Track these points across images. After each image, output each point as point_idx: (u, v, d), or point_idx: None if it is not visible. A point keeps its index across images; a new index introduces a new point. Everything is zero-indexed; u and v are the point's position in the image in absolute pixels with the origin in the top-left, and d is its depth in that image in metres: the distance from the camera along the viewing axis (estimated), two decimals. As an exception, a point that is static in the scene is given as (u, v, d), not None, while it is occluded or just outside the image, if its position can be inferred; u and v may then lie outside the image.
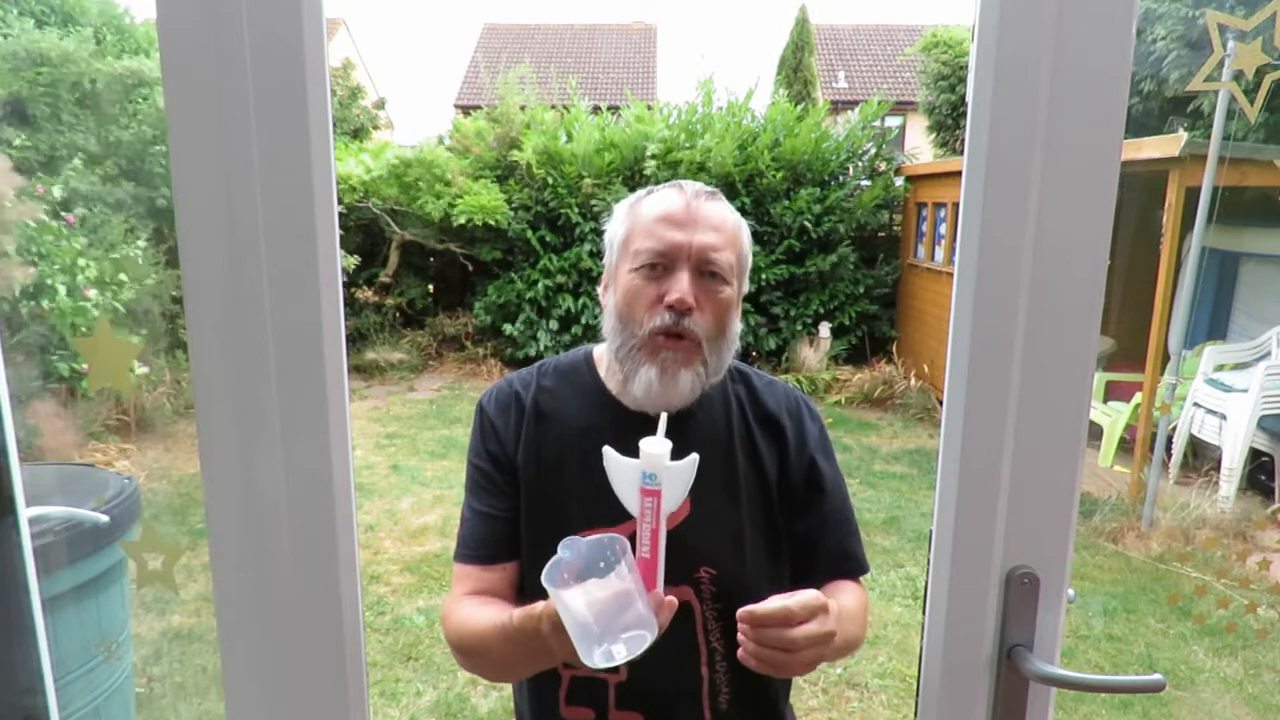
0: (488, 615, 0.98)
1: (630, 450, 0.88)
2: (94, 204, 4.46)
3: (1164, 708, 2.96)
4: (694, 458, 0.86)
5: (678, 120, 8.03)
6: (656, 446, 0.84)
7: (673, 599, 0.85)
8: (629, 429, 1.05)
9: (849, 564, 1.12)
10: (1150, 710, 2.92)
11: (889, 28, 20.27)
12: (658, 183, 1.11)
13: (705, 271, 1.01)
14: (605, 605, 0.79)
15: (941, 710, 0.86)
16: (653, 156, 7.48)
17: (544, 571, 0.80)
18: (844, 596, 1.07)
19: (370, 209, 7.84)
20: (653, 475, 0.84)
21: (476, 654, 1.02)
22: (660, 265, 1.01)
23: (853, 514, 1.14)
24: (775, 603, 0.84)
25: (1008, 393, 0.80)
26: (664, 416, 0.89)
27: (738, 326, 1.07)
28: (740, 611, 0.85)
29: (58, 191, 3.93)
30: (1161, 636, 3.42)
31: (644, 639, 0.80)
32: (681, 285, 0.99)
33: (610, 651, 0.79)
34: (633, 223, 1.05)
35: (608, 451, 0.87)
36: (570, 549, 0.83)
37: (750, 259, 1.09)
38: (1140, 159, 4.55)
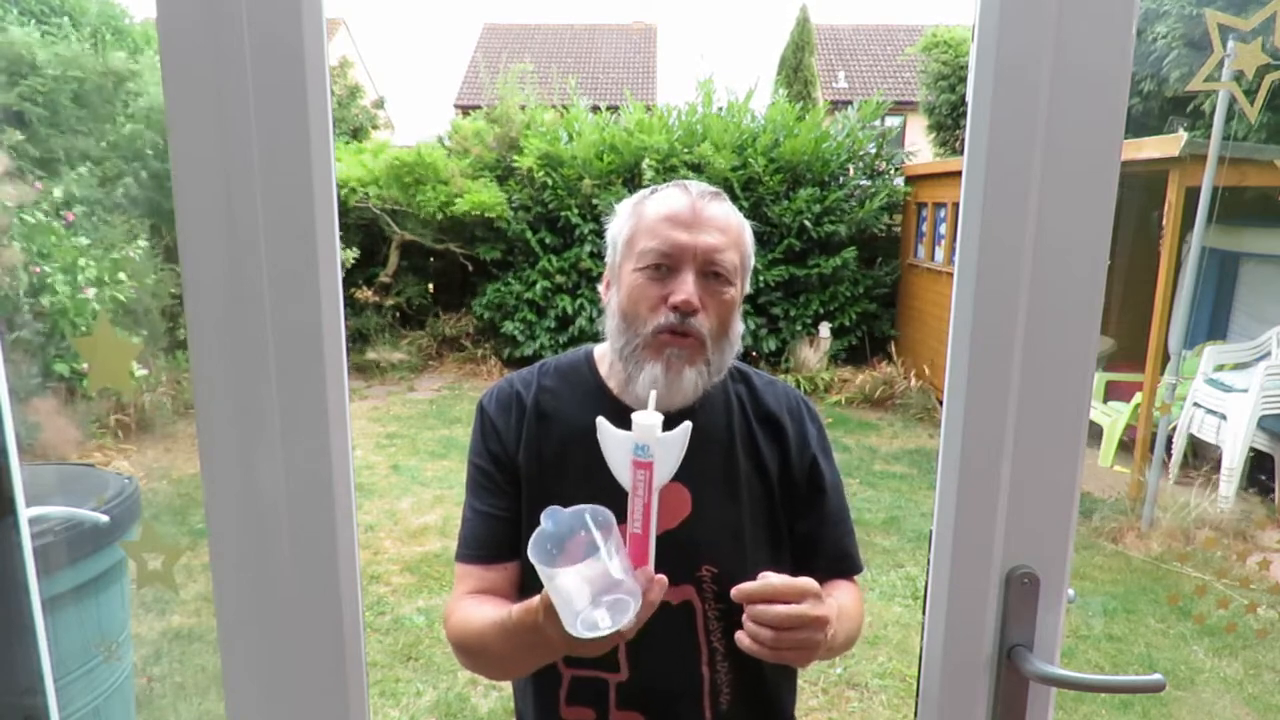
0: (487, 612, 0.99)
1: (629, 448, 0.88)
2: (93, 204, 4.46)
3: (1164, 708, 2.96)
4: (686, 426, 0.86)
5: (678, 122, 8.03)
6: (648, 418, 0.84)
7: (663, 576, 0.84)
8: (628, 428, 1.05)
9: (846, 563, 1.14)
10: (1150, 710, 2.92)
11: (889, 28, 20.27)
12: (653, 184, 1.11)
13: (709, 272, 1.01)
14: (590, 576, 0.79)
15: (941, 710, 0.86)
16: (650, 166, 7.49)
17: (529, 543, 0.80)
18: (841, 595, 1.08)
19: (370, 209, 7.84)
20: (645, 447, 0.83)
21: (478, 652, 1.02)
22: (665, 266, 1.01)
23: (849, 514, 1.16)
24: (762, 579, 0.87)
25: (1008, 393, 0.80)
26: (653, 393, 0.89)
27: (740, 327, 1.07)
28: (733, 590, 0.88)
29: (57, 192, 3.93)
30: (1161, 636, 3.42)
31: (627, 605, 0.79)
32: (687, 286, 1.00)
33: (593, 619, 0.78)
34: (637, 222, 1.05)
35: (601, 422, 0.87)
36: (552, 518, 0.83)
37: (752, 259, 1.10)
38: (1140, 159, 4.55)
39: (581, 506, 0.84)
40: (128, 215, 4.58)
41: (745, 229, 1.08)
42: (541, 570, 0.79)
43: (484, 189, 7.65)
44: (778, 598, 0.86)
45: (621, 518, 0.88)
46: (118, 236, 4.30)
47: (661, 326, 1.00)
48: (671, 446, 0.85)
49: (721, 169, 7.46)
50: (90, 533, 1.76)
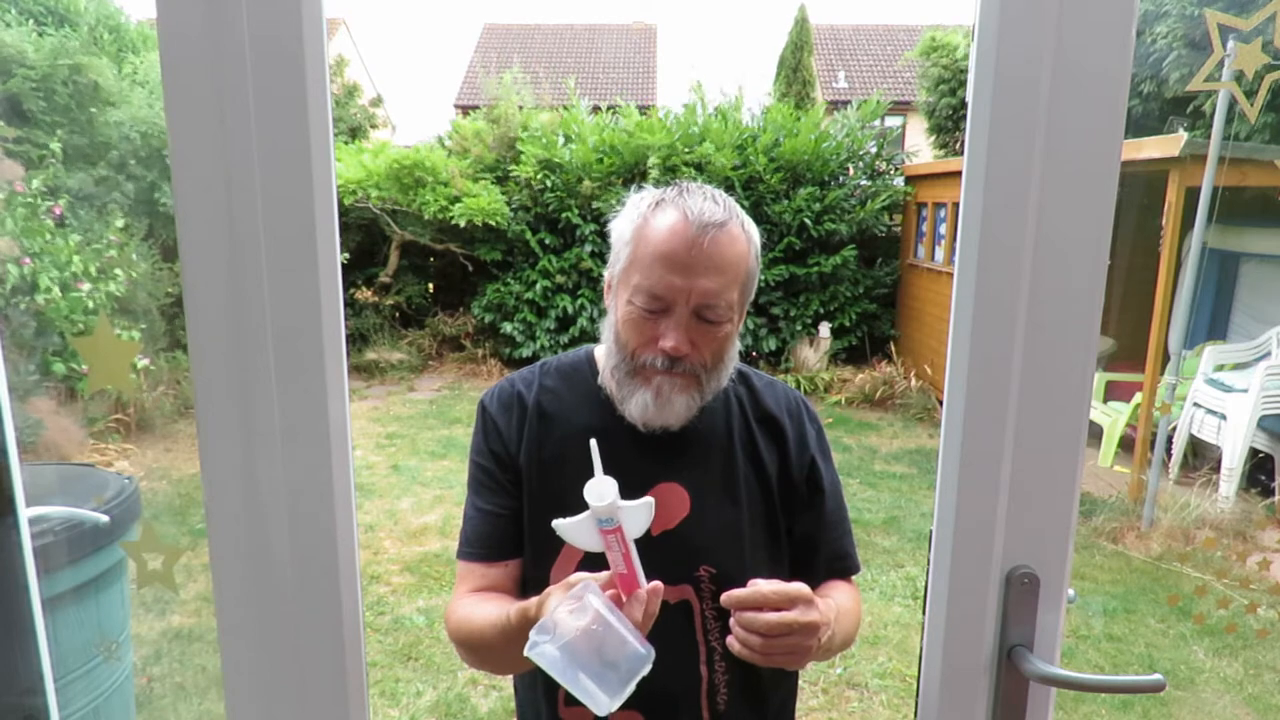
0: (488, 611, 0.99)
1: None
2: (87, 200, 4.46)
3: (1164, 708, 2.96)
4: (649, 501, 0.86)
5: (675, 123, 8.03)
6: (600, 498, 0.84)
7: (658, 583, 0.86)
8: (628, 429, 1.05)
9: (844, 563, 1.14)
10: (1150, 710, 2.92)
11: (889, 28, 20.26)
12: (658, 184, 1.09)
13: (703, 316, 0.99)
14: (598, 663, 0.80)
15: (941, 710, 0.86)
16: (653, 166, 7.49)
17: (537, 660, 0.80)
18: (840, 595, 1.08)
19: (370, 209, 7.84)
20: (608, 520, 0.84)
21: (479, 649, 1.02)
22: (657, 308, 0.99)
23: (847, 515, 1.16)
24: (751, 586, 0.88)
25: (1008, 393, 0.80)
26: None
27: (736, 348, 1.06)
28: (723, 596, 0.89)
29: (36, 182, 3.90)
30: (1161, 636, 3.42)
31: (645, 668, 0.81)
32: (677, 334, 0.97)
33: (620, 695, 0.80)
34: (635, 250, 1.01)
35: (559, 525, 0.88)
36: (543, 633, 0.81)
37: (757, 275, 1.06)
38: (1140, 159, 4.55)
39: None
40: (122, 212, 4.57)
41: (749, 254, 1.02)
42: (559, 673, 0.79)
43: (484, 191, 7.65)
44: (767, 605, 0.87)
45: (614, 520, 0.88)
46: (111, 233, 4.29)
47: (650, 363, 1.00)
48: (636, 515, 0.86)
49: (722, 168, 7.46)
50: (90, 533, 1.76)
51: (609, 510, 0.84)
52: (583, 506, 0.93)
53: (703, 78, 8.28)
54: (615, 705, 0.79)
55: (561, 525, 0.88)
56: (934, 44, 9.92)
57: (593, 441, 0.88)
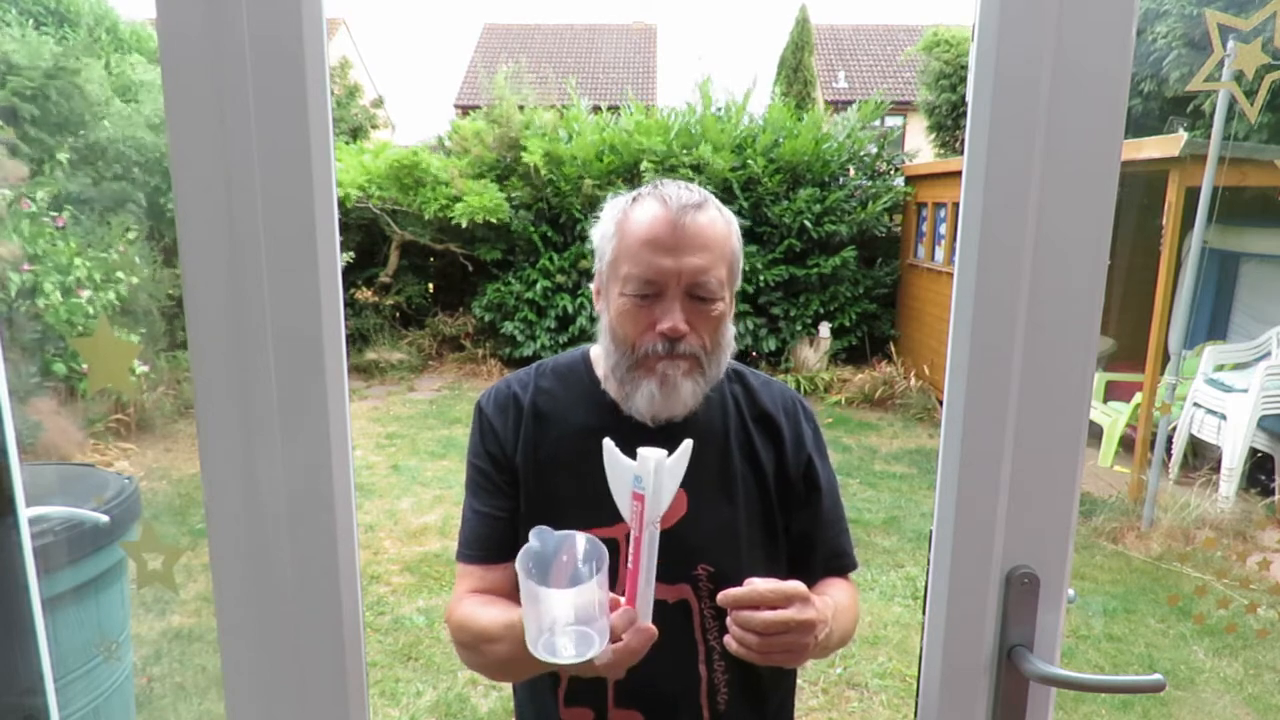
0: (490, 615, 0.99)
1: (626, 450, 0.88)
2: (87, 203, 4.46)
3: (1164, 708, 2.96)
4: (686, 444, 0.87)
5: (674, 121, 8.03)
6: (654, 453, 0.85)
7: (649, 626, 0.85)
8: (626, 430, 1.05)
9: (841, 561, 1.14)
10: (1150, 710, 2.92)
11: (889, 28, 20.29)
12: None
13: (696, 295, 1.00)
14: (565, 602, 0.80)
15: (941, 710, 0.86)
16: (650, 168, 7.49)
17: (518, 558, 0.81)
18: (837, 593, 1.08)
19: (370, 209, 7.84)
20: (639, 479, 0.84)
21: (479, 653, 1.02)
22: (650, 293, 1.00)
23: (844, 512, 1.17)
24: (748, 585, 0.88)
25: (1008, 393, 0.80)
26: (688, 445, 0.89)
27: (731, 331, 1.07)
28: (719, 595, 0.89)
29: (42, 193, 3.90)
30: (1161, 636, 3.42)
31: (591, 640, 0.80)
32: (673, 314, 0.99)
33: (555, 645, 0.79)
34: (620, 242, 1.03)
35: (608, 444, 0.88)
36: (539, 538, 0.83)
37: (741, 258, 1.08)
38: (1140, 159, 4.55)
39: (572, 532, 0.84)
40: (123, 215, 4.57)
41: (731, 234, 1.05)
42: (523, 581, 0.80)
43: (484, 190, 7.65)
44: (763, 604, 0.87)
45: (612, 519, 0.88)
46: (113, 236, 4.29)
47: (651, 351, 1.01)
48: (673, 470, 0.86)
49: (721, 170, 7.46)
50: (90, 533, 1.76)
51: (650, 468, 0.84)
52: (580, 508, 0.93)
53: (705, 76, 8.25)
54: (542, 657, 0.79)
55: (611, 447, 0.88)
56: (937, 38, 9.93)
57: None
